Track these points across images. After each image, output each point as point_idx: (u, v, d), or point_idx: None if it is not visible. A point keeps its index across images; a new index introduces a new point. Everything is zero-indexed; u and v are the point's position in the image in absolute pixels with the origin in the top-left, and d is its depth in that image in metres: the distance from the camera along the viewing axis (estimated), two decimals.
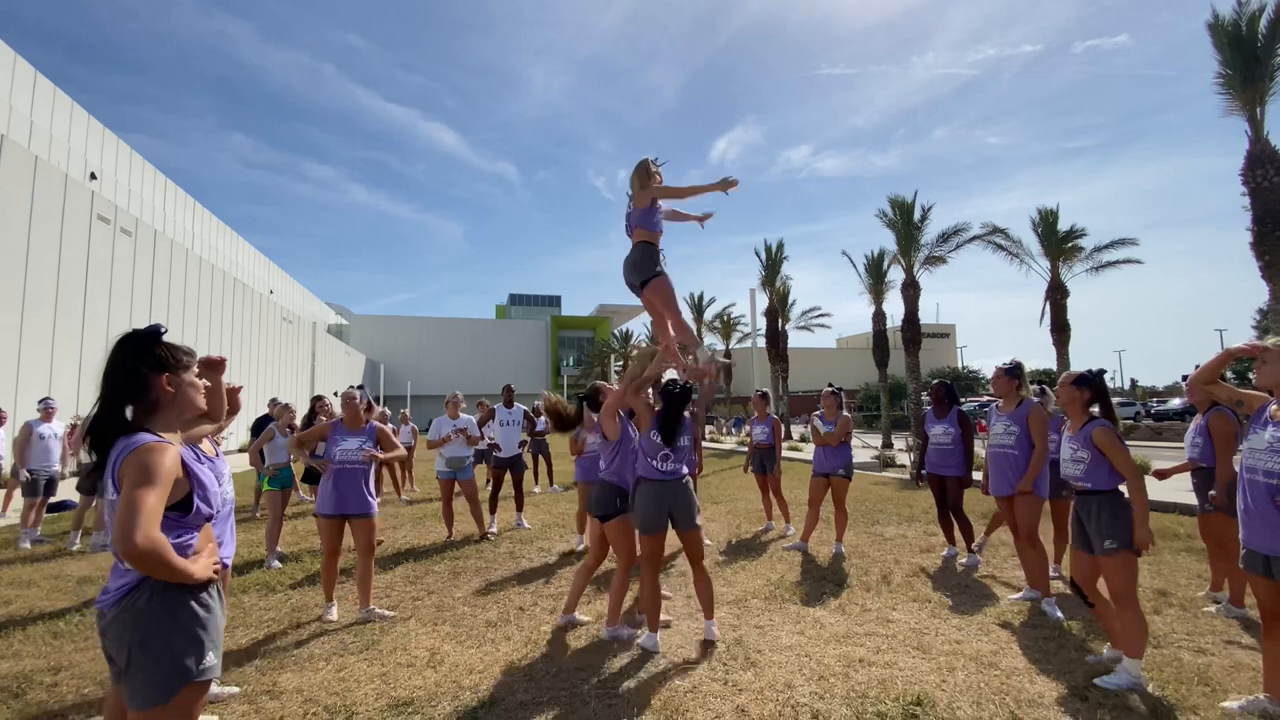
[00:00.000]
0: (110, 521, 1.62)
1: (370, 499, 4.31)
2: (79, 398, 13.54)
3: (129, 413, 1.72)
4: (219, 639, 1.75)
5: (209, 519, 1.82)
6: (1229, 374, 3.33)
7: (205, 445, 3.02)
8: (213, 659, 1.70)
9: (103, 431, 1.67)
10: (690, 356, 3.72)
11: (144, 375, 1.72)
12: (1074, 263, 18.40)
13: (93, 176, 19.08)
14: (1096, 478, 3.21)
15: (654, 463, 3.68)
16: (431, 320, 55.46)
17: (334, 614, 4.29)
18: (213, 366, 2.20)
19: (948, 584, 4.90)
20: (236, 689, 3.18)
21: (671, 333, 3.71)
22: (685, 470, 3.77)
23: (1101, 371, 3.41)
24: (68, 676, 3.39)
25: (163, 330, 1.82)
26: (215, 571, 1.75)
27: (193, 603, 1.68)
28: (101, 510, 6.38)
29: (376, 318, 54.77)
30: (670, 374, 3.86)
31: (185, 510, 1.73)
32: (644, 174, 3.75)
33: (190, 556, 1.69)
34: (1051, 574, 4.70)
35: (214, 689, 3.04)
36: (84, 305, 14.35)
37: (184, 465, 1.71)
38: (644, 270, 3.66)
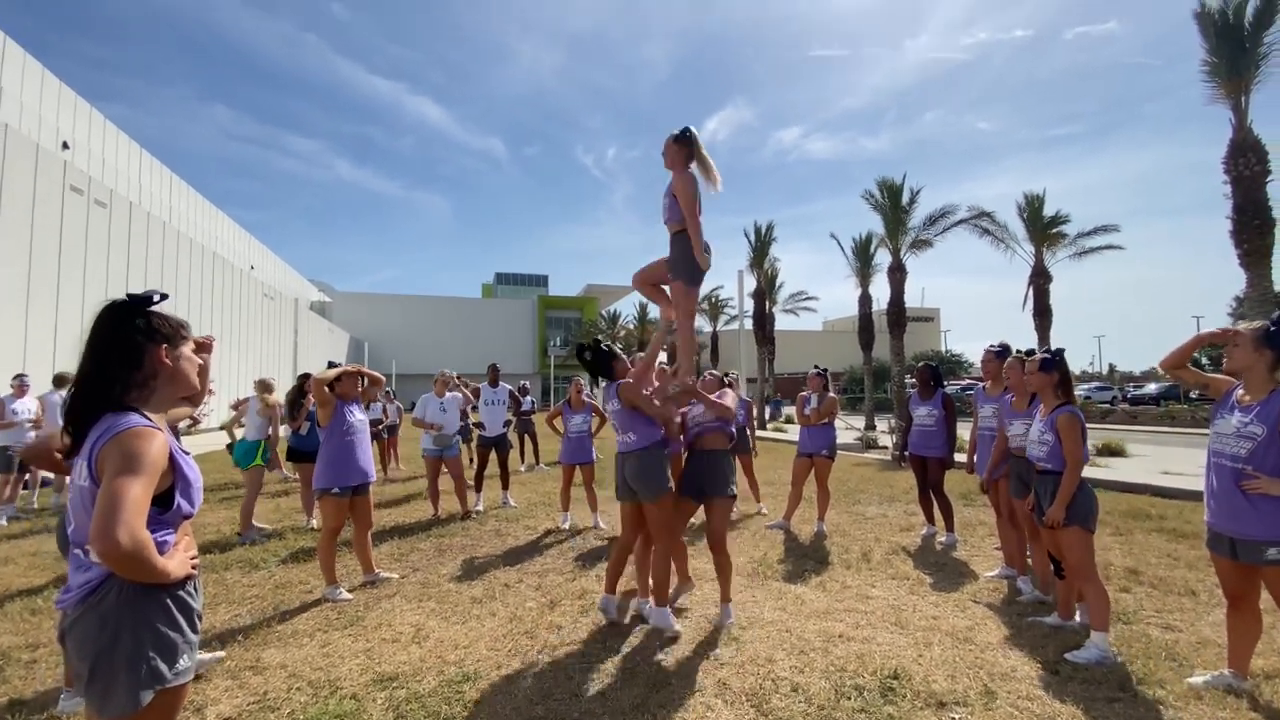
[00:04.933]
0: (76, 510, 1.47)
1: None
2: (53, 373, 13.23)
3: (117, 389, 1.53)
4: (194, 639, 1.60)
5: (188, 518, 1.63)
6: (1205, 359, 3.40)
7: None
8: (186, 661, 1.55)
9: (86, 409, 1.50)
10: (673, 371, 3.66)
11: (140, 346, 1.55)
12: (1058, 248, 18.55)
13: (65, 146, 18.49)
14: (1057, 459, 3.35)
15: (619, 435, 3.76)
16: (416, 298, 54.76)
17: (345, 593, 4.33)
18: (204, 347, 2.05)
19: (926, 562, 5.00)
20: (223, 653, 3.19)
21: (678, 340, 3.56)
22: (639, 441, 3.64)
23: (1061, 350, 3.53)
24: (46, 653, 3.36)
25: (158, 297, 1.61)
26: (193, 567, 1.61)
27: (168, 600, 1.52)
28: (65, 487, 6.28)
29: (361, 295, 53.94)
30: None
31: (165, 506, 1.53)
32: (671, 156, 3.30)
33: (166, 555, 1.53)
34: (1028, 553, 4.80)
35: (199, 655, 3.03)
36: (58, 279, 13.98)
37: (170, 455, 1.53)
38: (675, 272, 3.38)
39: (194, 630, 1.60)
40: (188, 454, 1.67)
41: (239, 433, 6.69)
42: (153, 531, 1.49)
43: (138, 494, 1.38)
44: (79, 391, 1.51)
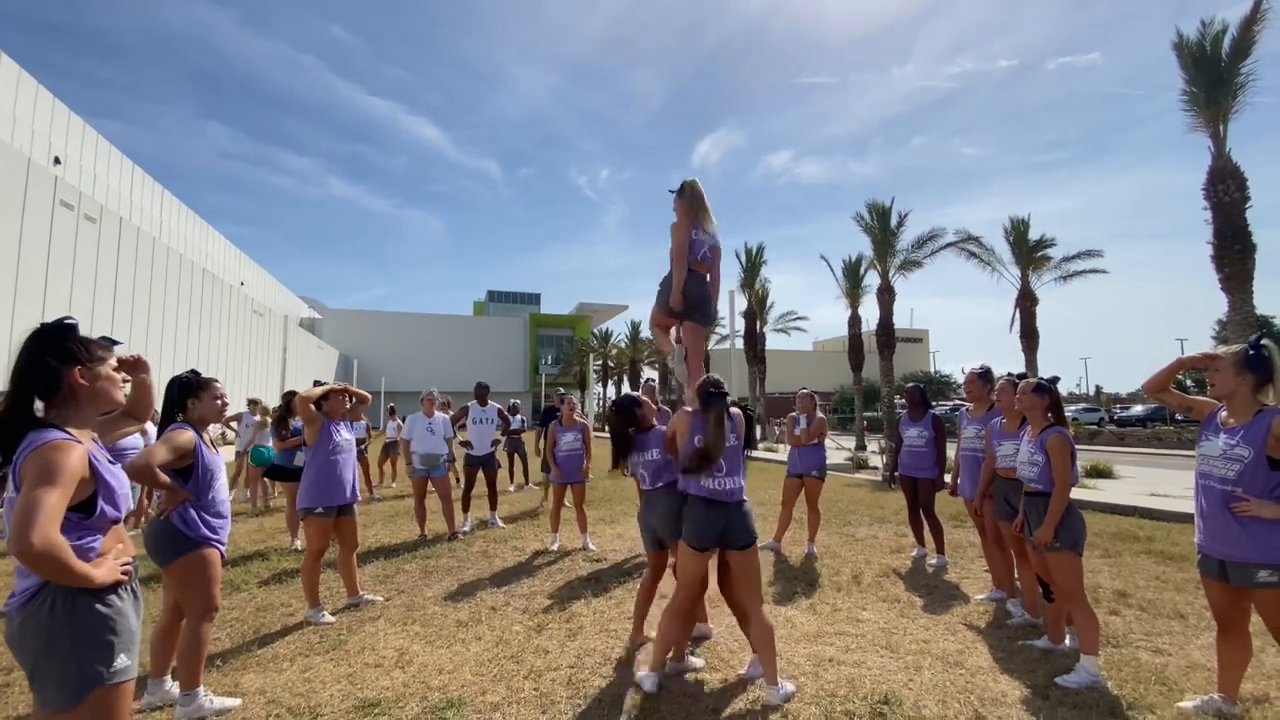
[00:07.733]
0: (7, 519, 1.56)
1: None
2: None
3: (40, 409, 1.65)
4: (132, 639, 1.70)
5: (115, 522, 1.75)
6: (1189, 381, 3.44)
7: (207, 439, 3.00)
8: (124, 660, 1.66)
9: (9, 428, 1.61)
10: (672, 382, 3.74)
11: (54, 370, 1.66)
12: (1043, 271, 18.84)
13: (56, 161, 18.44)
14: (1047, 480, 3.36)
15: (707, 480, 3.09)
16: (407, 315, 54.54)
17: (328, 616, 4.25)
18: (132, 366, 2.15)
19: (917, 584, 4.97)
20: (238, 701, 3.02)
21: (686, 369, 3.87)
22: (742, 488, 3.17)
23: (1056, 379, 3.58)
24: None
25: (72, 322, 1.74)
26: (124, 574, 1.71)
27: (97, 605, 1.63)
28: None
29: (351, 312, 53.63)
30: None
31: (88, 512, 1.66)
32: (675, 209, 3.83)
33: (93, 560, 1.64)
34: (1016, 575, 4.80)
35: (217, 701, 2.94)
36: (44, 292, 13.87)
37: (91, 465, 1.64)
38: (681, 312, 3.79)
39: (129, 631, 1.70)
40: (114, 464, 1.78)
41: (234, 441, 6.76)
42: (78, 536, 1.63)
43: (52, 501, 1.48)
44: (4, 414, 1.62)
